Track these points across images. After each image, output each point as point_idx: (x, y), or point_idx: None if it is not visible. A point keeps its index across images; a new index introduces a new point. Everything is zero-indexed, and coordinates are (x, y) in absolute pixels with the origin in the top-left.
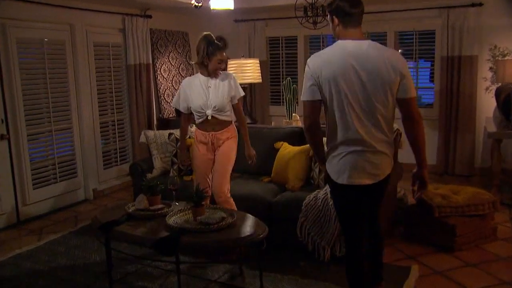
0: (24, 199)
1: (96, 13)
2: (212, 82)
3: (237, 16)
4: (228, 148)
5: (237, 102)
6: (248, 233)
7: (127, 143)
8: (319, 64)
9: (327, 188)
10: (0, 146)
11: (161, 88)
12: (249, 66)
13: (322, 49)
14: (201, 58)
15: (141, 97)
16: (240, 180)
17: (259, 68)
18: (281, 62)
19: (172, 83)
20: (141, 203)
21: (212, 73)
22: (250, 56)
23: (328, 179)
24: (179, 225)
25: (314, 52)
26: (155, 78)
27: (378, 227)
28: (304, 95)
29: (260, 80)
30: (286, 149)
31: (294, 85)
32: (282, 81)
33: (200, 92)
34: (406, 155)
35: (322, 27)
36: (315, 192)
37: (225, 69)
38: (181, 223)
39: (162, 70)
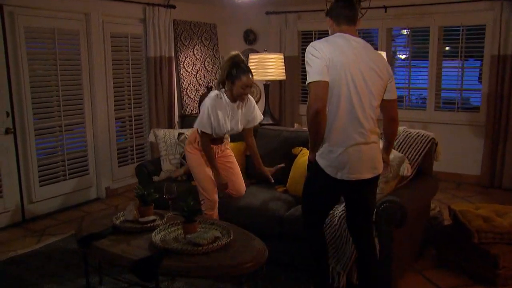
0: (30, 197)
1: (115, 2)
2: (236, 107)
3: (269, 8)
4: (230, 151)
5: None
6: (242, 260)
7: (145, 140)
8: (329, 48)
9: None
10: (6, 141)
11: (184, 82)
12: (271, 62)
13: None
14: (222, 79)
15: (161, 92)
16: (252, 188)
17: (283, 64)
18: None
19: (196, 77)
20: (130, 213)
21: (236, 98)
22: (281, 51)
23: (315, 169)
24: (164, 243)
25: None
26: (178, 72)
27: (372, 239)
28: (315, 75)
29: (284, 77)
30: (304, 156)
31: None
32: None
33: (225, 117)
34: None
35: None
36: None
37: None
38: (169, 240)
39: (185, 63)
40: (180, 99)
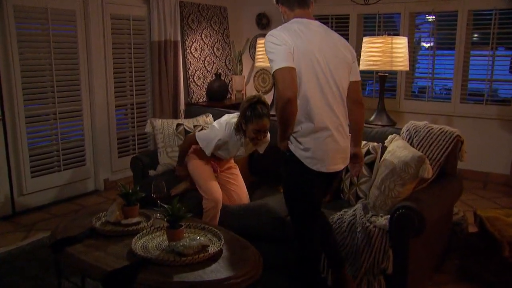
0: (20, 189)
1: None
2: (243, 143)
3: None
4: (235, 165)
5: None
6: (231, 275)
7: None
8: (290, 36)
9: (356, 208)
10: None
11: (191, 69)
12: None
13: (378, 30)
14: (239, 119)
15: (165, 79)
16: (253, 187)
17: None
18: None
19: (204, 63)
20: (112, 214)
21: (249, 140)
22: None
23: (291, 160)
24: (144, 251)
25: (369, 34)
26: (184, 57)
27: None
28: (281, 62)
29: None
30: None
31: None
32: None
33: (234, 147)
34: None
35: (374, 2)
36: (341, 212)
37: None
38: (151, 248)
39: (192, 48)
40: (187, 86)
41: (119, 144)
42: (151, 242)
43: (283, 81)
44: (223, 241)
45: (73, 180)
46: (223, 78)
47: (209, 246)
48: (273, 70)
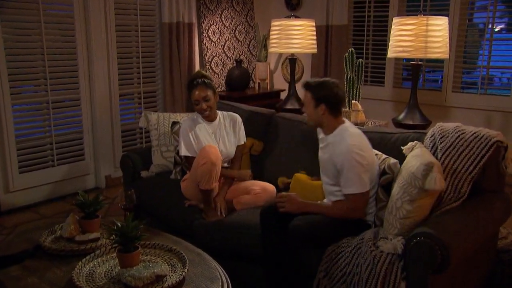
0: (7, 186)
1: None
2: (219, 127)
3: None
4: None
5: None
6: None
7: None
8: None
9: (366, 232)
10: None
11: (208, 54)
12: (297, 31)
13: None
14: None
15: (177, 65)
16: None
17: (314, 33)
18: (366, 28)
19: (223, 49)
20: (66, 228)
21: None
22: (328, 20)
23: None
24: (88, 280)
25: (411, 15)
26: (201, 41)
27: None
28: (364, 186)
29: (315, 51)
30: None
31: (360, 59)
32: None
33: (206, 136)
34: None
35: None
36: (348, 237)
37: (210, 109)
38: (98, 276)
39: (210, 32)
40: None
41: (124, 137)
42: (101, 266)
43: (357, 205)
44: (186, 269)
45: (70, 177)
46: (245, 65)
47: (166, 276)
48: (353, 193)
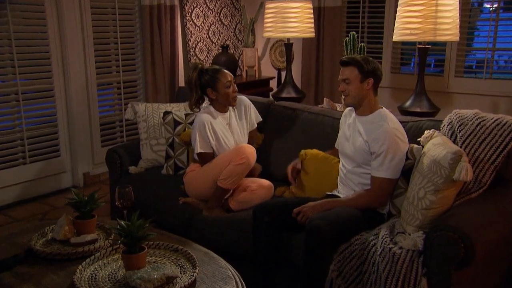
0: None
1: None
2: (230, 117)
3: None
4: None
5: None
6: None
7: None
8: None
9: (381, 227)
10: None
11: (192, 39)
12: (294, 13)
13: None
14: (197, 96)
15: (160, 52)
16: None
17: (311, 16)
18: (361, 10)
19: (208, 33)
20: (59, 230)
21: (229, 105)
22: (320, 1)
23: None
24: (92, 285)
25: None
26: (184, 25)
27: None
28: (397, 172)
29: (313, 35)
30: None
31: (362, 44)
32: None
33: (224, 132)
34: None
35: None
36: (362, 232)
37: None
38: (101, 279)
39: (194, 15)
40: (187, 61)
41: (102, 131)
42: (103, 270)
43: (388, 190)
44: (197, 270)
45: (43, 175)
46: (231, 51)
47: (177, 277)
48: (385, 177)
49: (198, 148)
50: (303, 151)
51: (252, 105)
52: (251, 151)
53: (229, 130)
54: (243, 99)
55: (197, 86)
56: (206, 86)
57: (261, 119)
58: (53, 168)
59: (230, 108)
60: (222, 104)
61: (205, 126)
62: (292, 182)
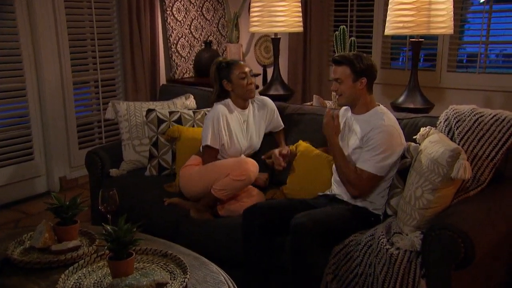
0: None
1: None
2: (249, 115)
3: None
4: None
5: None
6: None
7: None
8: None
9: (377, 227)
10: None
11: (173, 35)
12: (281, 7)
13: None
14: (217, 90)
15: (140, 48)
16: None
17: (299, 9)
18: (349, 2)
19: (190, 29)
20: (39, 238)
21: (246, 98)
22: None
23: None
24: None
25: None
26: (164, 20)
27: None
28: (384, 169)
29: (301, 29)
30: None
31: (353, 38)
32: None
33: (239, 131)
34: None
35: None
36: (356, 234)
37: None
38: (86, 287)
39: (174, 9)
40: (168, 58)
41: (80, 132)
42: (88, 278)
43: (372, 184)
44: (188, 275)
45: (16, 180)
46: (214, 47)
47: (167, 284)
48: (367, 171)
49: (208, 140)
50: (292, 146)
51: (277, 110)
52: (254, 169)
53: (245, 128)
54: (268, 101)
55: (216, 80)
56: (222, 78)
57: (283, 126)
58: (26, 172)
59: (251, 106)
60: (241, 98)
61: (219, 118)
62: (280, 164)
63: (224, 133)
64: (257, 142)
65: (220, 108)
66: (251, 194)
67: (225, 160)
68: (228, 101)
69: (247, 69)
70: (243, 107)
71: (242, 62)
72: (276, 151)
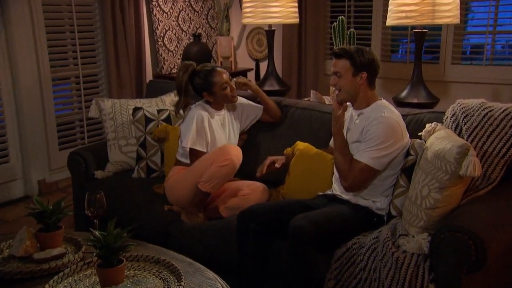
0: None
1: None
2: (224, 116)
3: None
4: None
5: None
6: None
7: None
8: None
9: (382, 229)
10: None
11: (159, 28)
12: None
13: None
14: (183, 104)
15: (124, 42)
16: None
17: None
18: None
19: (177, 21)
20: (19, 246)
21: (229, 103)
22: None
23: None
24: None
25: None
26: (150, 12)
27: None
28: (382, 164)
29: (297, 20)
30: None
31: (352, 29)
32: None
33: (220, 132)
34: None
35: None
36: (359, 236)
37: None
38: None
39: (161, 1)
40: (155, 52)
41: (60, 132)
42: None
43: (364, 178)
44: (183, 282)
45: None
46: (204, 41)
47: None
48: (367, 164)
49: (189, 141)
50: (289, 149)
51: (244, 100)
52: (236, 153)
53: (224, 129)
54: (240, 99)
55: (187, 90)
56: (201, 90)
57: (261, 106)
58: (1, 175)
59: (225, 107)
60: (220, 104)
61: (203, 120)
62: (257, 174)
63: (208, 135)
64: (235, 141)
65: (199, 110)
66: (256, 189)
67: (206, 154)
68: (205, 104)
69: (225, 76)
70: (220, 109)
71: (219, 69)
72: (268, 160)
